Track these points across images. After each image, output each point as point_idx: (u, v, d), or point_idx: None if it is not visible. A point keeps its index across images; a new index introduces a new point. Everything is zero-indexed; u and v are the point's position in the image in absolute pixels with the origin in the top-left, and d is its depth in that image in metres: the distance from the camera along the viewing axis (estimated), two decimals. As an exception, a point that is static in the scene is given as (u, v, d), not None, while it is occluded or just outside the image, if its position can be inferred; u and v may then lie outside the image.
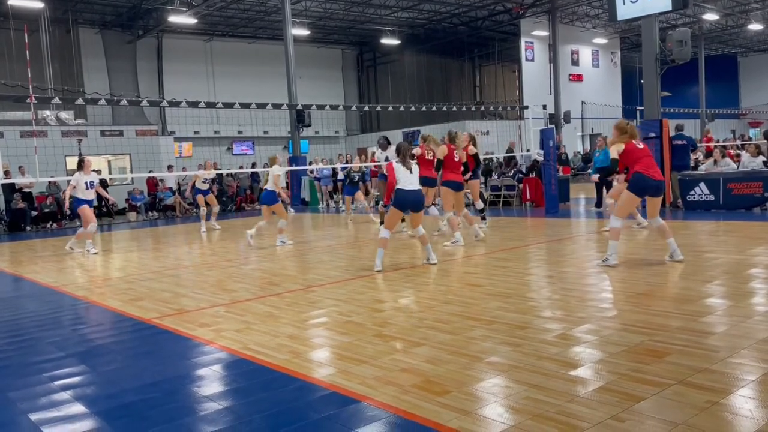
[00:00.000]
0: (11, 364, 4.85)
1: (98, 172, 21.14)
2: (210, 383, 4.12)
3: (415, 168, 7.79)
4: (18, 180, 16.67)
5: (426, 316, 5.40)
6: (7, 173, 16.74)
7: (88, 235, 11.35)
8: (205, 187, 14.74)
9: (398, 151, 7.86)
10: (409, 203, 7.74)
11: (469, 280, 7.06)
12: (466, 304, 5.74)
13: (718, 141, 21.42)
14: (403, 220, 10.86)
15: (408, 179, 7.68)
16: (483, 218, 11.55)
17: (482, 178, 12.47)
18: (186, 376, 4.29)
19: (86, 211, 11.27)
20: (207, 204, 14.74)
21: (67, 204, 11.40)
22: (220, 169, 23.16)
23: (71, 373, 4.50)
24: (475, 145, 11.11)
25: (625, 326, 4.73)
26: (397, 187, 7.69)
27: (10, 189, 17.69)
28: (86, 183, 11.24)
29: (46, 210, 18.40)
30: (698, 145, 15.91)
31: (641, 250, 8.55)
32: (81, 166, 11.49)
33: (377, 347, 4.56)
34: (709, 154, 16.49)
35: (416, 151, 10.56)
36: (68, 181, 11.69)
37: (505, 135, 27.78)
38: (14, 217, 17.55)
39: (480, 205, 11.55)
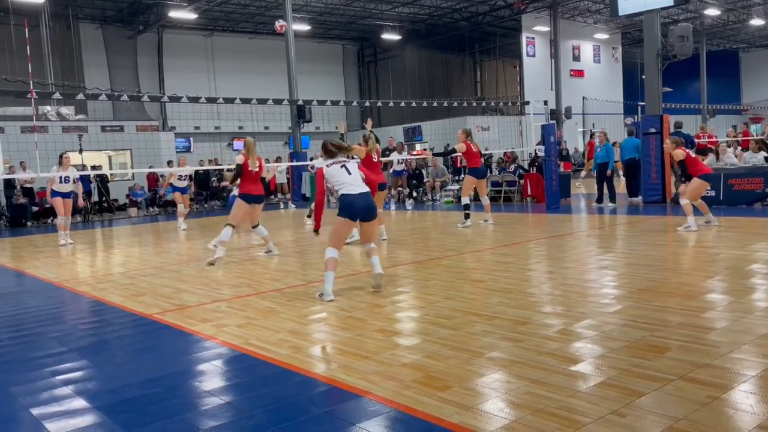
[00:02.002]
0: (13, 359, 4.86)
1: (99, 167, 21.22)
2: (211, 378, 4.13)
3: (352, 167, 6.36)
4: (19, 175, 16.67)
5: (427, 312, 5.41)
6: (10, 168, 16.76)
7: (59, 226, 12.39)
8: (183, 184, 14.72)
9: (325, 149, 6.48)
10: (360, 208, 6.22)
11: (470, 276, 7.06)
12: (467, 300, 5.75)
13: (723, 143, 21.41)
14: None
15: (349, 181, 6.24)
16: (466, 216, 11.44)
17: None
18: (187, 372, 4.29)
19: (56, 202, 12.21)
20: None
21: (49, 198, 12.16)
22: (220, 165, 23.17)
23: (73, 368, 4.51)
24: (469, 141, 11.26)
25: (626, 322, 4.73)
26: (342, 192, 6.26)
27: (10, 185, 17.66)
28: (61, 177, 12.08)
29: (47, 205, 18.37)
30: (695, 142, 15.89)
31: (642, 245, 8.54)
32: (60, 161, 12.25)
33: (378, 342, 4.56)
34: (700, 151, 16.45)
35: (360, 151, 9.45)
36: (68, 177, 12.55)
37: (506, 131, 27.74)
38: (15, 212, 17.55)
39: (465, 200, 11.57)
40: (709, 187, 10.17)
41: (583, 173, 14.11)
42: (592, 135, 16.85)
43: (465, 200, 11.60)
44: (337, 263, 6.15)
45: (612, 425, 3.01)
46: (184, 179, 14.84)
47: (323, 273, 6.13)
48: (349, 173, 6.28)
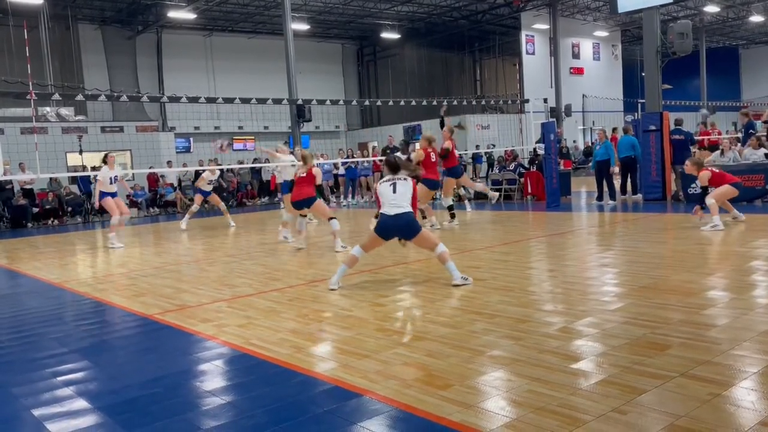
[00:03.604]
0: (14, 360, 4.86)
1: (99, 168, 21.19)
2: (212, 378, 4.13)
3: (401, 186, 6.38)
4: (18, 177, 16.67)
5: (427, 310, 5.41)
6: (5, 170, 16.72)
7: (113, 227, 11.87)
8: (210, 188, 14.66)
9: (388, 165, 6.65)
10: (392, 230, 6.36)
11: (470, 274, 7.05)
12: (467, 298, 5.75)
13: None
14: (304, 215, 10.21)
15: (390, 200, 6.31)
16: (452, 216, 11.53)
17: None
18: (188, 372, 4.29)
19: (109, 202, 11.82)
20: (206, 202, 14.84)
21: (97, 201, 12.00)
22: (220, 165, 23.17)
23: (74, 368, 4.51)
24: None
25: (626, 319, 4.73)
26: (381, 211, 6.43)
27: (2, 187, 17.61)
28: (110, 177, 11.78)
29: (47, 206, 18.41)
30: (695, 139, 15.87)
31: (643, 243, 8.54)
32: (105, 161, 11.96)
33: (379, 341, 4.56)
34: (710, 147, 16.43)
35: (419, 154, 10.47)
36: (95, 177, 12.38)
37: (505, 129, 27.76)
38: (15, 213, 17.55)
39: (448, 201, 11.54)
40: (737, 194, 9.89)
41: (616, 168, 14.25)
42: (614, 130, 17.00)
43: (449, 201, 11.57)
44: (355, 262, 6.52)
45: (613, 423, 3.00)
46: (212, 183, 14.71)
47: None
48: (395, 192, 6.33)
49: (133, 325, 5.75)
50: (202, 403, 3.67)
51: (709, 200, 9.32)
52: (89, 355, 4.83)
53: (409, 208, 6.32)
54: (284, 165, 12.16)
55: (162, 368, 4.38)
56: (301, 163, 10.01)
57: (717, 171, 9.64)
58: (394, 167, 6.53)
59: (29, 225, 17.58)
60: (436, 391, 3.52)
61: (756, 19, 31.69)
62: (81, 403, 3.78)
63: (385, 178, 6.55)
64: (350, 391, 3.65)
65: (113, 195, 11.87)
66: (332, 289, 6.39)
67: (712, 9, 29.95)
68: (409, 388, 3.62)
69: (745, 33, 38.24)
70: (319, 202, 9.69)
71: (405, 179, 6.44)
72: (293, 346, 4.60)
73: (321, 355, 4.46)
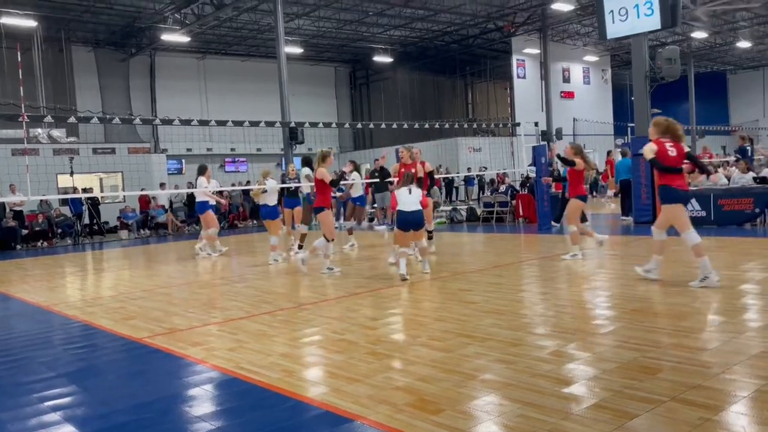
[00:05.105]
0: (1, 384, 4.80)
1: (90, 189, 21.14)
2: (202, 403, 4.09)
3: (416, 190, 8.34)
4: (8, 198, 16.58)
5: (419, 334, 5.39)
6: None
7: (212, 238, 12.33)
8: (212, 201, 12.65)
9: (406, 180, 8.50)
10: (410, 223, 8.33)
11: (462, 297, 7.05)
12: (459, 322, 5.73)
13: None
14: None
15: (407, 200, 8.31)
16: (429, 238, 10.55)
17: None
18: (178, 396, 4.25)
19: (212, 215, 12.26)
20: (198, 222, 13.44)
21: (224, 202, 12.21)
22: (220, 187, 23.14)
23: (62, 393, 4.46)
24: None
25: (618, 343, 4.73)
26: (398, 209, 8.45)
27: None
28: (209, 189, 12.26)
29: (37, 228, 18.29)
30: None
31: (633, 265, 8.55)
32: (203, 172, 12.22)
33: (370, 365, 4.54)
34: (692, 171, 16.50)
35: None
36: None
37: (497, 152, 27.92)
38: (5, 235, 17.42)
39: (431, 226, 10.64)
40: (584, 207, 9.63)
41: (610, 192, 14.11)
42: (609, 153, 17.06)
43: (432, 225, 10.74)
44: (404, 254, 8.34)
45: (605, 448, 2.99)
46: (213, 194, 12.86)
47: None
48: (410, 194, 8.32)
49: (122, 348, 5.70)
50: (191, 429, 3.63)
51: (571, 227, 9.26)
52: (77, 380, 4.78)
53: (420, 207, 8.38)
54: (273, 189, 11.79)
55: (151, 393, 4.33)
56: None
57: (582, 171, 9.23)
58: (411, 180, 8.44)
59: (18, 247, 17.45)
60: (428, 416, 3.50)
61: (743, 44, 32.17)
62: (69, 429, 3.73)
63: (403, 187, 8.41)
64: (341, 416, 3.62)
65: (213, 207, 12.31)
66: (404, 279, 7.98)
67: (699, 35, 30.41)
68: (400, 413, 3.60)
69: (732, 58, 38.80)
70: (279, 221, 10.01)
71: (417, 188, 8.39)
72: (284, 370, 4.57)
73: (312, 379, 4.43)
